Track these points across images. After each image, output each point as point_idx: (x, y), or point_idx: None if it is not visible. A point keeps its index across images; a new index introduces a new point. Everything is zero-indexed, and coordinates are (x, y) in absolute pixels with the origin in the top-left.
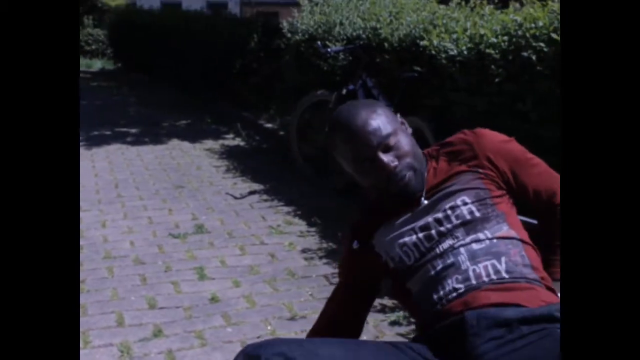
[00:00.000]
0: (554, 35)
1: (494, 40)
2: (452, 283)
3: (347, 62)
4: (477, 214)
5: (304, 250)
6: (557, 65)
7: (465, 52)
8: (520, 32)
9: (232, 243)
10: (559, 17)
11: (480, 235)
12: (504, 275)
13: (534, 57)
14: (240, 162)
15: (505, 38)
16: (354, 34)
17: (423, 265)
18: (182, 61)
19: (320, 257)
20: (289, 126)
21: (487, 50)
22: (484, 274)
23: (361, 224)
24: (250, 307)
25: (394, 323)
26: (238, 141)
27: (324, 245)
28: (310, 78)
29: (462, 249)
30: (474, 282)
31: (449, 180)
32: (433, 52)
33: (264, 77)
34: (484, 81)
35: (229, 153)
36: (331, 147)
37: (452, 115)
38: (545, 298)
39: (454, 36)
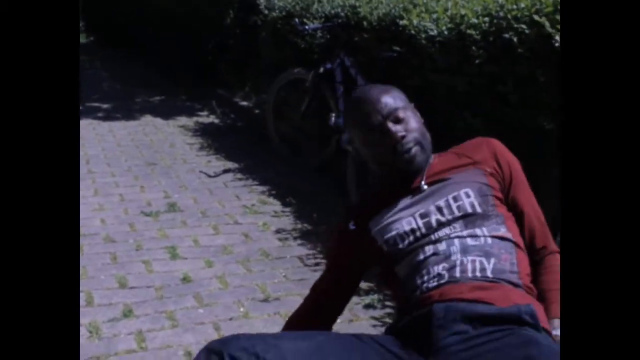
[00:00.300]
0: (535, 17)
1: (474, 20)
2: (437, 269)
3: (325, 40)
4: (479, 209)
5: (278, 231)
6: (539, 48)
7: (445, 33)
8: (501, 14)
9: (206, 222)
10: None
11: (478, 231)
12: (489, 274)
13: (515, 39)
14: (214, 140)
15: (487, 19)
16: (332, 12)
17: (415, 249)
18: (156, 36)
19: (295, 238)
20: (265, 104)
21: (468, 31)
22: (470, 268)
23: (359, 207)
24: (222, 288)
25: (368, 306)
26: (213, 119)
27: (299, 226)
28: (287, 55)
29: (456, 240)
30: (457, 274)
31: (455, 169)
32: (413, 31)
33: (240, 53)
34: (465, 62)
35: (203, 130)
36: (347, 121)
37: (432, 96)
38: (518, 300)
39: (434, 16)
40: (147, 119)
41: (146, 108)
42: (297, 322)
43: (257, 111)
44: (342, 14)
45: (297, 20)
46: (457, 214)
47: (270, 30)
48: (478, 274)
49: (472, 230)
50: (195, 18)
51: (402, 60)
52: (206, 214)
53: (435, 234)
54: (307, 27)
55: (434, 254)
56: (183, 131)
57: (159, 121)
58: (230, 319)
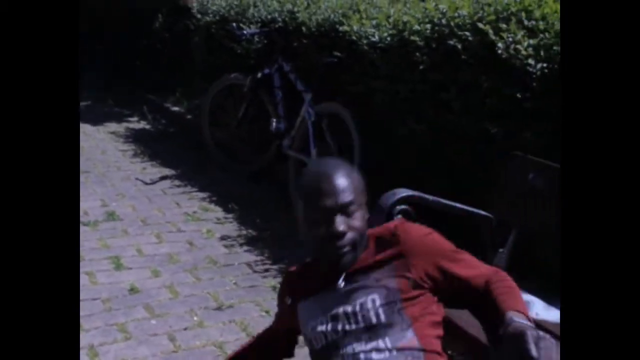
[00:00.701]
0: (480, 25)
1: (417, 27)
2: None
3: (262, 45)
4: (383, 319)
5: (223, 238)
6: (482, 54)
7: (388, 39)
8: (444, 21)
9: (148, 231)
10: (483, 7)
11: (381, 344)
12: None
13: (459, 46)
14: (147, 146)
15: (428, 26)
16: (269, 16)
17: (329, 354)
18: (80, 39)
19: (241, 244)
20: (201, 110)
21: (412, 37)
22: None
23: (297, 279)
24: (173, 297)
25: None
26: (143, 124)
27: (244, 232)
28: (222, 61)
29: (362, 355)
30: None
31: (369, 270)
32: (354, 37)
33: (169, 58)
34: (407, 69)
35: (134, 137)
36: (300, 187)
37: (374, 103)
38: None
39: (374, 22)
40: None
41: None
42: None
43: (189, 117)
44: (280, 19)
45: (234, 24)
46: (361, 324)
47: (204, 35)
48: None
49: (375, 343)
50: (124, 22)
51: (342, 66)
52: (147, 222)
53: (343, 348)
54: (244, 32)
55: None
56: (114, 137)
57: (88, 127)
58: (185, 329)
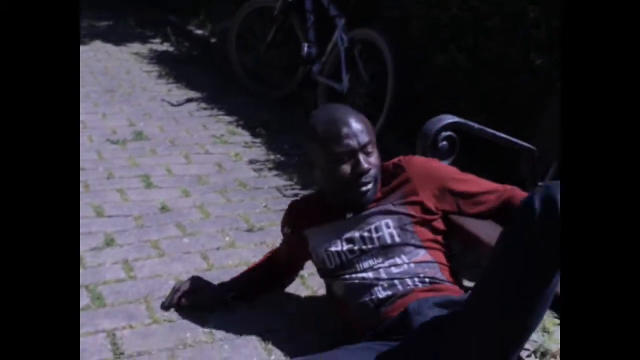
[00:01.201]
0: None
1: None
2: (379, 293)
3: None
4: (397, 239)
5: (251, 162)
6: None
7: None
8: None
9: (176, 151)
10: None
11: (398, 260)
12: (427, 281)
13: None
14: (172, 68)
15: None
16: None
17: (345, 274)
18: None
19: (270, 169)
20: (228, 33)
21: None
22: (409, 282)
23: (299, 212)
24: (204, 217)
25: None
26: (167, 46)
27: (271, 157)
28: None
29: (381, 270)
30: (400, 288)
31: (380, 200)
32: None
33: None
34: None
35: (158, 58)
36: (316, 134)
37: (411, 30)
38: (459, 291)
39: None
40: (97, 44)
41: (94, 33)
42: (251, 275)
43: (213, 40)
44: None
45: None
46: (377, 244)
47: None
48: (418, 283)
49: (392, 260)
50: None
51: None
52: (175, 143)
53: (360, 263)
54: None
55: (368, 280)
56: (138, 58)
57: (110, 47)
58: (217, 249)
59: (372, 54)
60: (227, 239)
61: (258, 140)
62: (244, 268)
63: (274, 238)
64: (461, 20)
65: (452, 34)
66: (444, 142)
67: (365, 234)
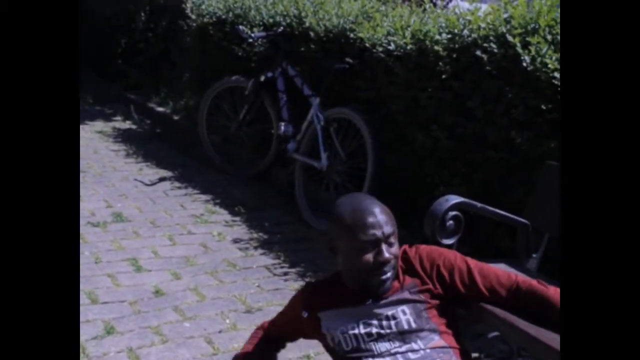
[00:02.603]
0: (509, 38)
1: (438, 37)
2: None
3: (265, 48)
4: (413, 325)
5: (235, 240)
6: (507, 66)
7: (407, 47)
8: (466, 32)
9: (159, 233)
10: (509, 20)
11: (414, 346)
12: None
13: (484, 57)
14: (138, 146)
15: (449, 36)
16: (271, 20)
17: (361, 357)
18: None
19: (255, 247)
20: (199, 112)
21: (435, 47)
22: None
23: (314, 294)
24: (200, 300)
25: None
26: (129, 124)
27: (255, 235)
28: (217, 62)
29: (399, 356)
30: None
31: (395, 290)
32: (367, 44)
33: (151, 58)
34: (426, 77)
35: (123, 137)
36: (343, 221)
37: (389, 109)
38: None
39: (387, 30)
40: None
41: None
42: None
43: (176, 117)
44: (284, 23)
45: (241, 27)
46: (394, 330)
47: (198, 36)
48: None
49: (409, 345)
50: (107, 21)
51: (353, 73)
52: (156, 224)
53: (377, 347)
54: (253, 35)
55: None
56: (102, 137)
57: None
58: (220, 332)
59: (348, 133)
60: (228, 321)
61: (238, 218)
62: None
63: None
64: (440, 100)
65: (432, 114)
66: (451, 222)
67: (384, 322)
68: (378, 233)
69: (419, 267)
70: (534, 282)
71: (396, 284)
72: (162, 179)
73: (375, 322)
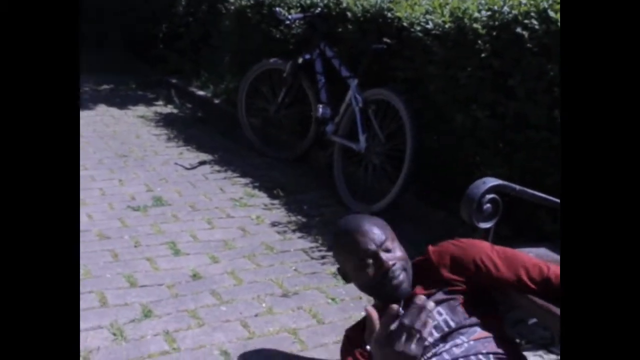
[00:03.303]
0: (551, 14)
1: (477, 14)
2: None
3: (302, 30)
4: (452, 324)
5: (273, 224)
6: (548, 42)
7: (445, 26)
8: (506, 8)
9: (198, 216)
10: None
11: (458, 341)
12: (490, 357)
13: (525, 34)
14: (179, 130)
15: (488, 13)
16: (308, 1)
17: None
18: (98, 21)
19: (293, 231)
20: (238, 95)
21: (474, 25)
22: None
23: (355, 339)
24: (237, 284)
25: None
26: (170, 108)
27: (293, 218)
28: (256, 45)
29: (444, 354)
30: None
31: (424, 293)
32: (404, 23)
33: (192, 42)
34: (466, 55)
35: (164, 121)
36: (338, 248)
37: (428, 89)
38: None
39: (425, 9)
40: (102, 108)
41: (96, 97)
42: None
43: (217, 101)
44: (321, 3)
45: (278, 9)
46: (437, 335)
47: (237, 19)
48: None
49: (453, 342)
50: (146, 6)
51: (391, 53)
52: (196, 208)
53: (424, 355)
54: (290, 16)
55: None
56: (144, 121)
57: (115, 111)
58: (256, 316)
59: (386, 114)
60: (264, 305)
61: (277, 201)
62: (286, 335)
63: (310, 303)
64: (480, 79)
65: (472, 93)
66: (488, 205)
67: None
68: (370, 246)
69: (444, 272)
70: None
71: (424, 291)
72: (202, 163)
73: None
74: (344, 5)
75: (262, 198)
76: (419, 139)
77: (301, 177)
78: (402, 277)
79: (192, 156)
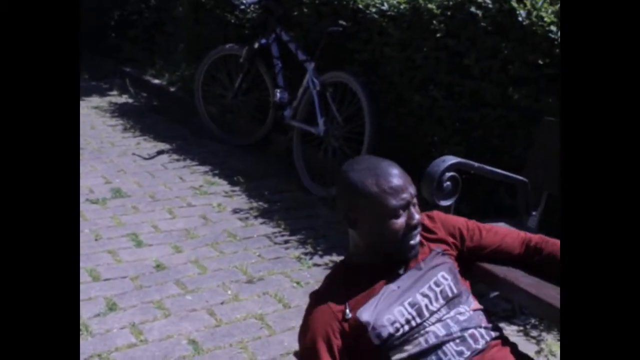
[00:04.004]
0: None
1: None
2: (452, 349)
3: (258, 15)
4: (455, 290)
5: (235, 211)
6: (502, 21)
7: (400, 7)
8: None
9: (158, 206)
10: None
11: (461, 309)
12: (492, 335)
13: (479, 13)
14: (135, 120)
15: None
16: None
17: (412, 337)
18: None
19: (255, 217)
20: (195, 82)
21: (429, 6)
22: (478, 336)
23: (333, 299)
24: (201, 272)
25: None
26: (125, 98)
27: (254, 204)
28: (210, 31)
29: (449, 321)
30: (474, 345)
31: (422, 256)
32: (360, 5)
33: (145, 30)
34: (421, 36)
35: (120, 111)
36: (361, 187)
37: (384, 71)
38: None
39: None
40: None
41: None
42: None
43: (172, 89)
44: None
45: None
46: (441, 301)
47: (190, 5)
48: (487, 337)
49: (456, 309)
50: None
51: (347, 35)
52: (156, 198)
53: (429, 321)
54: (244, 1)
55: (438, 337)
56: (99, 112)
57: None
58: (222, 303)
59: (344, 97)
60: (230, 292)
61: (237, 188)
62: (253, 321)
63: (275, 288)
64: (436, 59)
65: (428, 73)
66: (448, 183)
67: (426, 291)
68: (407, 196)
69: (440, 233)
70: (541, 236)
71: (425, 249)
72: (160, 152)
73: (419, 297)
74: None
75: (223, 185)
76: (377, 121)
77: (261, 163)
78: (419, 238)
79: (150, 146)
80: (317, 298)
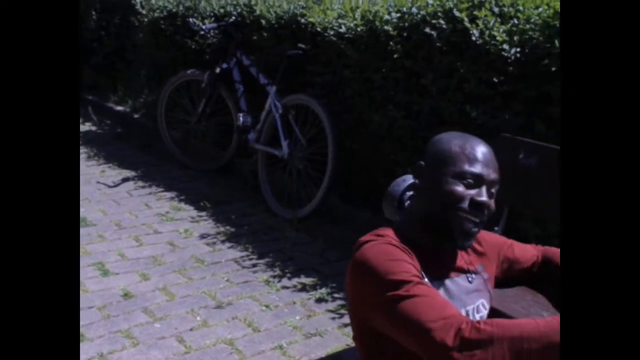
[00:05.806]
0: (456, 13)
1: (387, 17)
2: None
3: (218, 40)
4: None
5: (202, 236)
6: (456, 41)
7: (357, 29)
8: (414, 9)
9: (125, 234)
10: None
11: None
12: None
13: (434, 34)
14: (99, 148)
15: (397, 15)
16: (222, 10)
17: None
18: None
19: (223, 242)
20: (157, 108)
21: (385, 27)
22: None
23: (406, 251)
24: (169, 299)
25: (320, 300)
26: (88, 126)
27: (221, 229)
28: (171, 57)
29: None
30: None
31: (476, 271)
32: (318, 28)
33: (106, 56)
34: (379, 57)
35: (83, 139)
36: (443, 143)
37: (344, 92)
38: None
39: (338, 13)
40: None
41: None
42: None
43: (136, 116)
44: (235, 12)
45: (192, 20)
46: (483, 311)
47: (151, 32)
48: None
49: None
50: None
51: (307, 58)
52: (122, 226)
53: None
54: (204, 27)
55: None
56: None
57: None
58: (191, 330)
59: (307, 119)
60: (199, 318)
61: (204, 213)
62: (223, 346)
63: (244, 312)
64: (394, 80)
65: (387, 94)
66: (409, 202)
67: (472, 313)
68: (484, 172)
69: (486, 252)
70: (535, 246)
71: (472, 256)
72: (125, 180)
73: (470, 310)
74: (258, 12)
75: (189, 211)
76: (339, 142)
77: (226, 187)
78: (477, 229)
79: (115, 173)
80: (386, 241)
